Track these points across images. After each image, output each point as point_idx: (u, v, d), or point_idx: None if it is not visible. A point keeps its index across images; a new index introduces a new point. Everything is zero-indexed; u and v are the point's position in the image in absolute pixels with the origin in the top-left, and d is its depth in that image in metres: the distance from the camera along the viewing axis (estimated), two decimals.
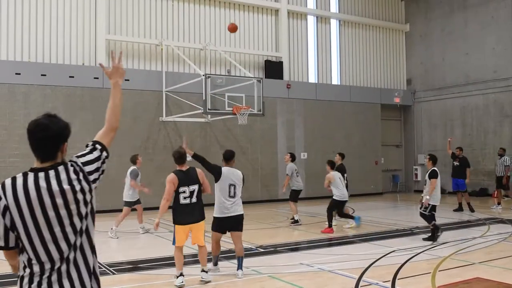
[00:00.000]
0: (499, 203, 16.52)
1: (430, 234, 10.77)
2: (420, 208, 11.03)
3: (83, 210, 2.54)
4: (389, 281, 7.25)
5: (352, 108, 22.76)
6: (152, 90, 17.97)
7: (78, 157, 2.63)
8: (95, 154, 2.68)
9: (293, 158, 13.85)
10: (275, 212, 16.76)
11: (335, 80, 23.33)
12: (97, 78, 16.77)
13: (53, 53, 17.05)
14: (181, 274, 7.07)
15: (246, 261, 8.12)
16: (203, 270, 7.24)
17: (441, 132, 23.21)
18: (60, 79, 16.38)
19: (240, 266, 7.69)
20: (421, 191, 11.34)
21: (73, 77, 16.68)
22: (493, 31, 21.33)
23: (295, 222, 13.50)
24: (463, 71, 22.45)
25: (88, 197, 2.56)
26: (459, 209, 16.01)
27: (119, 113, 2.90)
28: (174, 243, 7.24)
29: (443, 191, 21.95)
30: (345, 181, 13.28)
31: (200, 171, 7.39)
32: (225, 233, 7.83)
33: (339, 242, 11.03)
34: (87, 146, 2.74)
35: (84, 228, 2.56)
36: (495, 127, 21.21)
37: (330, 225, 12.27)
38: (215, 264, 7.95)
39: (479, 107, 21.81)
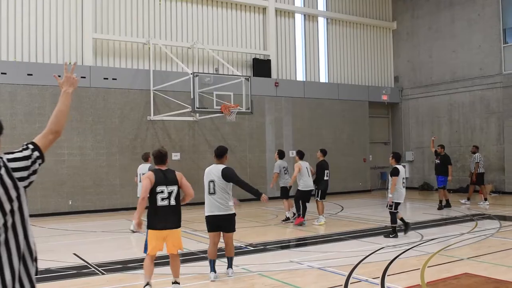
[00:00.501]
0: (485, 199, 16.71)
1: (391, 231, 10.96)
2: (387, 207, 11.28)
3: (6, 206, 2.57)
4: (379, 277, 7.29)
5: (340, 106, 22.83)
6: (139, 89, 17.88)
7: (6, 153, 2.71)
8: (25, 153, 2.74)
9: (281, 155, 13.89)
10: (264, 210, 16.75)
11: (323, 78, 23.38)
12: (84, 77, 16.63)
13: (39, 53, 16.88)
14: (148, 284, 6.62)
15: (236, 259, 8.12)
16: (175, 282, 6.76)
17: (429, 129, 23.36)
18: (47, 79, 16.17)
19: (230, 265, 7.68)
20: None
21: (60, 76, 16.46)
22: (479, 28, 21.49)
23: (287, 219, 13.54)
24: (450, 69, 22.61)
25: (12, 193, 2.59)
26: (447, 205, 16.15)
27: (63, 119, 3.00)
28: (146, 251, 6.82)
29: (431, 188, 22.34)
30: (327, 177, 13.42)
31: (180, 174, 6.93)
32: (217, 231, 7.64)
33: (329, 240, 11.07)
34: (21, 146, 2.82)
35: (9, 224, 2.58)
36: (481, 124, 21.38)
37: (299, 215, 12.90)
38: (212, 269, 7.51)
39: (466, 104, 21.97)
